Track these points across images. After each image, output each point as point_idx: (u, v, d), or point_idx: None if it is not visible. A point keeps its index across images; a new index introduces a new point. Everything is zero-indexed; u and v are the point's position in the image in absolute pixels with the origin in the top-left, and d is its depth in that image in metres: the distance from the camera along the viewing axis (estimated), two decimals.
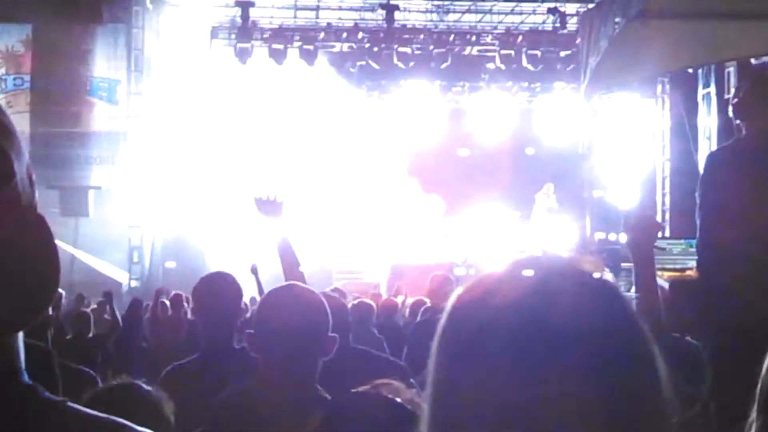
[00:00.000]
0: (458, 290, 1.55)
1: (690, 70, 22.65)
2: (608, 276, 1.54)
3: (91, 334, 11.71)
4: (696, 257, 7.28)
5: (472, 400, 1.43)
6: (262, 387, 3.68)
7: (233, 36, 23.99)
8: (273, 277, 5.28)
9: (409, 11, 24.16)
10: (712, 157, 7.66)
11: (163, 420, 3.57)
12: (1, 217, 1.47)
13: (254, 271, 9.75)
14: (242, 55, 23.76)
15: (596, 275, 1.52)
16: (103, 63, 23.01)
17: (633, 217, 4.96)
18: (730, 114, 7.07)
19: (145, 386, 3.69)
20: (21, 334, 1.55)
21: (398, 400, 3.28)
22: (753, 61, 19.61)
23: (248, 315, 6.16)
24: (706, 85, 25.49)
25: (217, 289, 5.27)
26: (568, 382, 1.39)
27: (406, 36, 24.32)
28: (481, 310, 1.48)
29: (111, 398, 3.51)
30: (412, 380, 5.90)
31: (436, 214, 26.24)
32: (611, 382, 1.41)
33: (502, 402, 1.40)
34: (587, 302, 1.46)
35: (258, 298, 9.17)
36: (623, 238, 4.96)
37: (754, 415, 2.58)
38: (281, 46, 23.94)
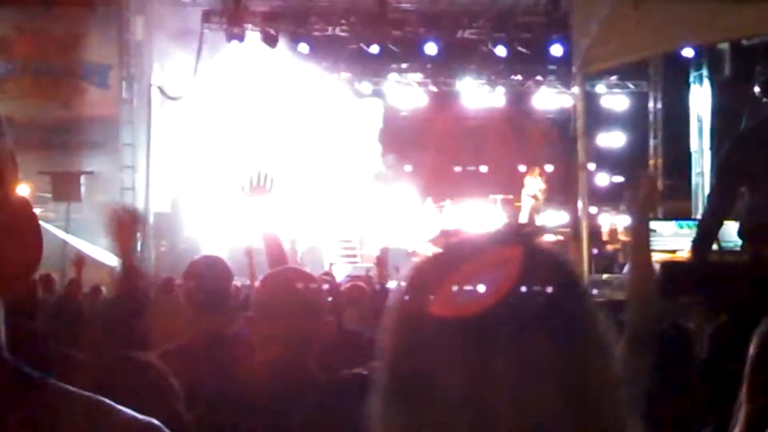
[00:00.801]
0: (405, 275, 1.54)
1: (682, 52, 22.62)
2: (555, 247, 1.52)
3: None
4: (695, 236, 7.31)
5: (427, 372, 1.42)
6: (261, 370, 3.69)
7: (225, 20, 23.92)
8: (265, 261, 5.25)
9: None
10: (738, 138, 7.66)
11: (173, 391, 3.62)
12: None
13: (249, 254, 9.72)
14: (234, 39, 23.71)
15: (542, 245, 1.51)
16: (95, 48, 22.98)
17: (636, 187, 4.93)
18: (757, 92, 7.15)
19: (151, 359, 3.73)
20: (2, 312, 1.55)
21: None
22: (744, 42, 19.66)
23: (240, 299, 6.15)
24: (699, 67, 25.50)
25: (207, 274, 5.27)
26: (520, 348, 1.38)
27: (399, 18, 24.28)
28: (433, 283, 1.45)
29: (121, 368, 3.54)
30: None
31: (425, 197, 26.28)
32: (561, 344, 1.40)
33: (458, 374, 1.39)
34: (533, 270, 1.43)
35: (249, 282, 9.16)
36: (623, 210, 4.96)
37: (742, 396, 2.60)
38: (273, 30, 23.89)
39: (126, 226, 5.09)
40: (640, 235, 4.69)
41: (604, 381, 1.44)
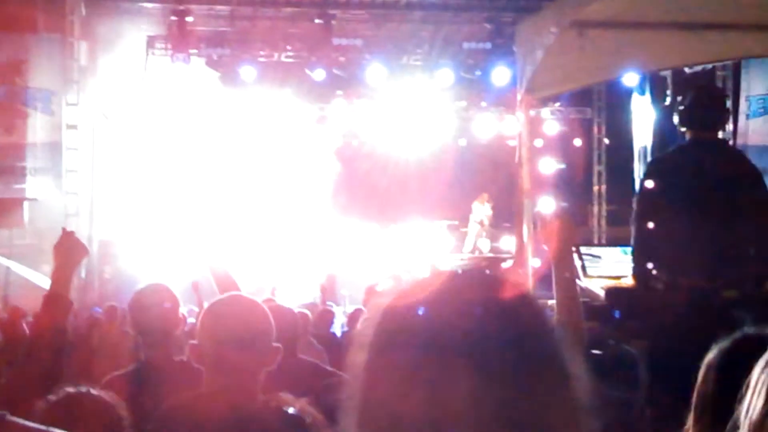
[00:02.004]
0: (384, 300, 1.56)
1: (626, 78, 22.84)
2: (528, 286, 1.56)
3: None
4: (632, 264, 7.39)
5: (396, 404, 1.44)
6: (206, 398, 3.67)
7: (170, 45, 23.83)
8: (214, 292, 5.21)
9: (347, 21, 24.12)
10: (652, 165, 7.83)
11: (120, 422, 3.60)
12: None
13: (195, 288, 9.63)
14: (179, 64, 23.64)
15: (514, 285, 1.54)
16: (38, 73, 22.79)
17: (548, 220, 4.97)
18: (674, 121, 7.24)
19: (96, 392, 3.70)
20: None
21: (289, 410, 3.36)
22: (687, 69, 19.89)
23: (187, 327, 6.13)
24: (642, 93, 25.73)
25: (153, 302, 5.25)
26: (485, 387, 1.41)
27: (344, 44, 24.29)
28: (405, 319, 1.49)
29: (68, 405, 3.53)
30: None
31: (372, 223, 26.29)
32: (521, 386, 1.43)
33: (425, 406, 1.42)
34: (503, 311, 1.48)
35: (197, 311, 9.10)
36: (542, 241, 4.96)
37: (690, 422, 2.61)
38: (217, 56, 23.87)
39: (70, 252, 4.94)
40: (561, 269, 4.73)
41: (564, 413, 1.46)
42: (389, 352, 1.48)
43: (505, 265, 24.21)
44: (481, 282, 1.54)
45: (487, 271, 1.56)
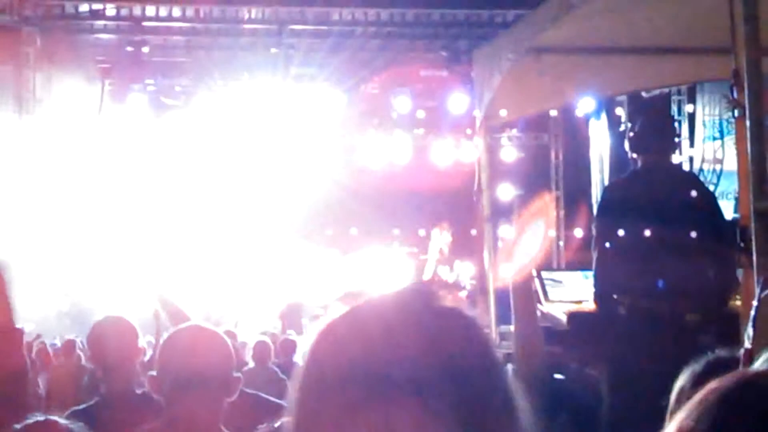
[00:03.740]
0: (314, 331, 1.51)
1: (582, 103, 22.96)
2: (463, 305, 1.50)
3: None
4: (593, 289, 7.40)
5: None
6: (165, 430, 3.62)
7: (125, 75, 23.74)
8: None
9: (304, 50, 24.11)
10: (607, 191, 7.88)
11: None
12: None
13: (157, 316, 9.56)
14: (135, 94, 23.59)
15: (449, 304, 1.49)
16: None
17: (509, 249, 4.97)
18: (626, 147, 7.27)
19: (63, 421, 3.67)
20: None
21: None
22: (644, 94, 20.03)
23: (147, 358, 6.06)
24: (598, 117, 25.88)
25: (112, 334, 5.19)
26: (424, 411, 1.35)
27: (301, 73, 24.32)
28: (337, 347, 1.44)
29: None
30: None
31: (333, 252, 26.27)
32: (464, 405, 1.38)
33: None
34: (439, 331, 1.42)
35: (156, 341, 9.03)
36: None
37: None
38: (174, 86, 23.84)
39: None
40: (521, 291, 4.72)
41: (502, 419, 1.42)
42: (324, 389, 1.41)
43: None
44: (424, 313, 1.47)
45: (422, 294, 1.50)
